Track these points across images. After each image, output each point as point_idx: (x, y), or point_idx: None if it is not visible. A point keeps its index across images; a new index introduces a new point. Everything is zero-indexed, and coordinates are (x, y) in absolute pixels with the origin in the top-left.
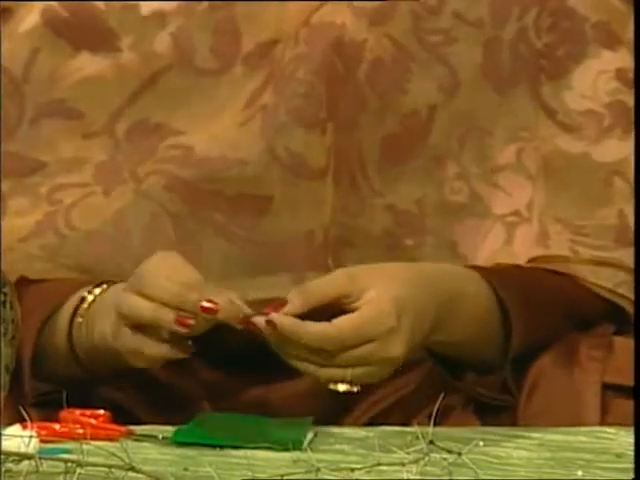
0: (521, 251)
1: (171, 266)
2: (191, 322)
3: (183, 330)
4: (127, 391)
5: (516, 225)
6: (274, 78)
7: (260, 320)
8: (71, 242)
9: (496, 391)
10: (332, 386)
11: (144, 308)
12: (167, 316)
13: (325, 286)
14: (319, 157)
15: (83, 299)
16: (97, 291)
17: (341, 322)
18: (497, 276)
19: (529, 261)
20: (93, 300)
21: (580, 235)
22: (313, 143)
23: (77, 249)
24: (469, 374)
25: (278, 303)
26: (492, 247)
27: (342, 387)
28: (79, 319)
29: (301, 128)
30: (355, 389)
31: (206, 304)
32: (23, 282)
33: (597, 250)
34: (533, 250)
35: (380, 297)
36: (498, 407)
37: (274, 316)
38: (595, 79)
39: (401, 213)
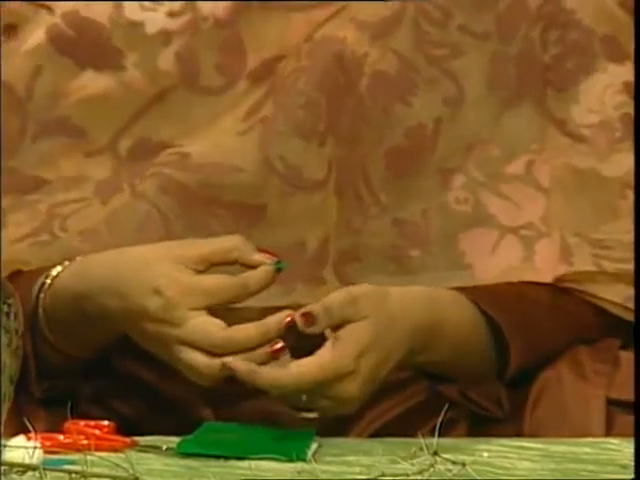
0: (544, 268)
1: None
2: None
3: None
4: (131, 402)
5: (534, 240)
6: (275, 90)
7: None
8: (62, 240)
9: (489, 402)
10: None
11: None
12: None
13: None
14: (317, 169)
15: (47, 275)
16: (59, 268)
17: (298, 369)
18: (491, 298)
19: (555, 280)
20: (56, 275)
21: (602, 248)
22: (310, 154)
23: (67, 245)
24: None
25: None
26: (509, 262)
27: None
28: (42, 294)
29: (298, 139)
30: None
31: None
32: (15, 275)
33: (621, 263)
34: (557, 268)
35: (346, 339)
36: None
37: (230, 360)
38: (602, 93)
39: (407, 226)
